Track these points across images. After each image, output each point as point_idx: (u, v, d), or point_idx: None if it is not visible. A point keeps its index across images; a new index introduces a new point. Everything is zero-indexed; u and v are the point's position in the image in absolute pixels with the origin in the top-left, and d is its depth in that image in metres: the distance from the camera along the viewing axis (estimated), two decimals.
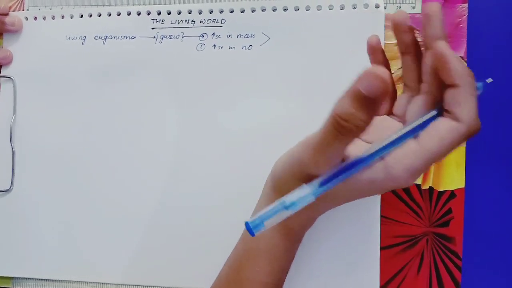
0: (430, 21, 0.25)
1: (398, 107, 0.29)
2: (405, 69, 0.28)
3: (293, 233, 0.29)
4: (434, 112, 0.25)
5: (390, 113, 0.29)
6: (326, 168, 0.24)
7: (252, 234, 0.24)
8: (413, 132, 0.25)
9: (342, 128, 0.22)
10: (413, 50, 0.27)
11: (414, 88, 0.28)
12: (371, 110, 0.21)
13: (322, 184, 0.24)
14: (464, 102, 0.23)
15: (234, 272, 0.30)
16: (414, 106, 0.27)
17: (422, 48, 0.27)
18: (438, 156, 0.24)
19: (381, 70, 0.20)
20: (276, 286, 0.30)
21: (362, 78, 0.20)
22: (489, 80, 0.27)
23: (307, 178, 0.25)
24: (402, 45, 0.28)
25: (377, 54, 0.29)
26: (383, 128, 0.27)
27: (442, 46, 0.24)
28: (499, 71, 0.36)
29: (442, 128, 0.24)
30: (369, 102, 0.21)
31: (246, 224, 0.24)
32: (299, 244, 0.31)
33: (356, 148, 0.25)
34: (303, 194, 0.24)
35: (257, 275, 0.29)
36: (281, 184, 0.28)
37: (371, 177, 0.24)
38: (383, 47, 0.30)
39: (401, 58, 0.28)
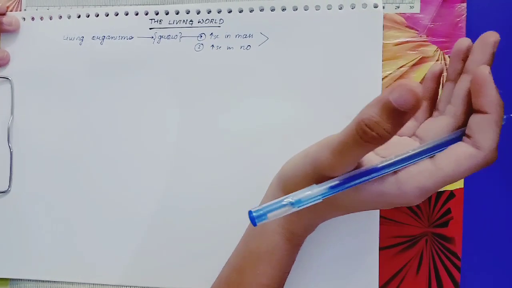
0: (483, 49, 0.25)
1: (421, 129, 0.29)
2: (444, 94, 0.28)
3: (295, 237, 0.29)
4: (455, 135, 0.25)
5: (413, 134, 0.29)
6: (341, 172, 0.24)
7: (254, 224, 0.24)
8: (431, 151, 0.25)
9: (365, 135, 0.21)
10: (458, 78, 0.27)
11: (443, 112, 0.28)
12: (397, 122, 0.21)
13: (333, 187, 0.24)
14: (488, 131, 0.23)
15: (234, 274, 0.30)
16: (435, 126, 0.27)
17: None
18: (451, 180, 0.24)
19: (414, 84, 0.20)
20: None
21: (395, 89, 0.20)
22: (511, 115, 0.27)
23: (319, 180, 0.25)
24: (452, 72, 0.28)
25: (433, 82, 0.29)
26: (399, 145, 0.27)
27: (485, 70, 0.24)
28: (498, 71, 0.36)
29: (461, 153, 0.24)
30: (398, 114, 0.20)
31: (250, 213, 0.24)
32: (299, 248, 0.31)
33: (371, 160, 0.25)
34: (312, 194, 0.24)
35: (258, 277, 0.29)
36: (290, 184, 0.27)
37: (381, 190, 0.24)
38: (439, 79, 0.29)
39: (445, 83, 0.28)
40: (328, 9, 0.36)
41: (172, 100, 0.38)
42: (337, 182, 0.24)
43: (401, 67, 0.36)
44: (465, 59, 0.27)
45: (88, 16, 0.40)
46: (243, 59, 0.37)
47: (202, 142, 0.37)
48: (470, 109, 0.25)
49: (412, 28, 0.36)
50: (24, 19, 0.41)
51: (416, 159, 0.24)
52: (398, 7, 0.36)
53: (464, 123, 0.25)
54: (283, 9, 0.37)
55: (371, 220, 0.35)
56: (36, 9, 0.41)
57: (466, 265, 0.35)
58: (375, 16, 0.35)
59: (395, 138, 0.28)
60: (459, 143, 0.24)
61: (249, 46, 0.37)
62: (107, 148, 0.39)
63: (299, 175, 0.26)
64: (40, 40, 0.40)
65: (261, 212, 0.24)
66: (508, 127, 0.35)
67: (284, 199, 0.24)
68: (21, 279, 0.40)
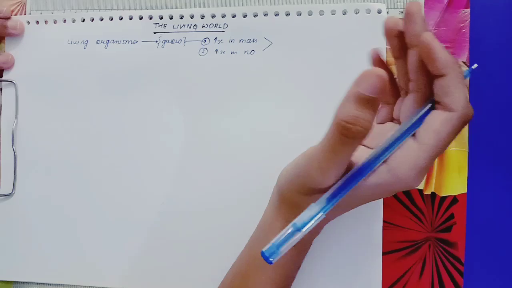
0: (412, 19, 0.25)
1: (395, 110, 0.29)
2: (399, 73, 0.28)
3: (300, 242, 0.29)
4: (427, 107, 0.25)
5: (392, 118, 0.29)
6: (333, 178, 0.24)
7: (270, 262, 0.24)
8: (411, 130, 0.25)
9: (348, 132, 0.22)
10: (404, 54, 0.27)
11: (408, 90, 0.28)
12: (373, 109, 0.22)
13: (330, 199, 0.24)
14: (453, 91, 0.24)
15: (238, 280, 0.30)
16: (405, 106, 0.27)
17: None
18: (439, 149, 0.24)
19: (377, 70, 0.21)
20: None
21: (361, 80, 0.21)
22: (474, 66, 0.27)
23: (313, 191, 0.25)
24: (394, 49, 0.28)
25: (379, 66, 0.29)
26: (381, 132, 0.28)
27: (428, 37, 0.24)
28: (502, 76, 0.36)
29: (436, 121, 0.24)
30: (371, 101, 0.21)
31: (262, 253, 0.24)
32: (306, 254, 0.31)
33: (360, 154, 0.26)
34: (313, 213, 0.24)
35: (262, 283, 0.29)
36: (287, 196, 0.28)
37: (377, 182, 0.25)
38: (384, 58, 0.30)
39: (395, 62, 0.28)
40: (332, 14, 0.36)
41: (176, 104, 0.38)
42: (332, 194, 0.24)
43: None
44: (397, 35, 0.27)
45: (92, 20, 0.40)
46: (247, 64, 0.37)
47: (205, 145, 0.38)
48: (429, 78, 0.25)
49: None
50: (28, 22, 0.41)
51: (399, 142, 0.25)
52: (402, 12, 0.36)
53: (429, 92, 0.25)
54: (287, 14, 0.37)
55: (374, 224, 0.35)
56: (41, 13, 0.41)
57: (469, 270, 0.35)
58: (379, 22, 0.35)
59: (378, 128, 0.28)
60: (433, 112, 0.25)
61: (253, 51, 0.37)
62: (111, 152, 0.39)
63: (293, 188, 0.27)
64: (45, 43, 0.41)
65: (273, 249, 0.24)
66: (507, 133, 0.36)
67: (290, 227, 0.24)
68: (24, 282, 0.40)
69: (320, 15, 0.36)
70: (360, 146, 0.26)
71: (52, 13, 0.41)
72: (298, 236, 0.24)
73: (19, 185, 0.40)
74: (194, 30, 0.38)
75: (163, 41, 0.39)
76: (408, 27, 0.26)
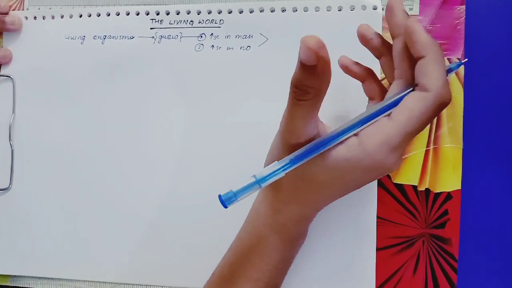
0: (394, 13, 0.26)
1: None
2: (386, 69, 0.29)
3: (285, 230, 0.29)
4: (406, 89, 0.26)
5: None
6: (300, 136, 0.25)
7: (225, 206, 0.24)
8: (386, 109, 0.25)
9: (297, 95, 0.23)
10: (386, 51, 0.28)
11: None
12: (315, 76, 0.22)
13: (293, 160, 0.25)
14: (431, 71, 0.24)
15: (226, 268, 0.30)
16: (390, 92, 0.27)
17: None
18: (410, 127, 0.24)
19: (312, 41, 0.21)
20: (268, 285, 0.30)
21: (300, 48, 0.22)
22: (465, 60, 0.28)
23: (292, 150, 0.26)
24: (374, 50, 0.29)
25: (372, 41, 0.29)
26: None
27: (413, 20, 0.25)
28: (497, 72, 0.36)
29: (411, 100, 0.24)
30: (310, 68, 0.22)
31: (219, 197, 0.24)
32: (297, 248, 0.31)
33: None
34: (274, 168, 0.25)
35: (248, 271, 0.29)
36: (272, 160, 0.28)
37: (346, 154, 0.25)
38: (373, 33, 0.29)
39: (380, 62, 0.29)
40: (328, 10, 0.36)
41: (172, 100, 0.38)
42: (297, 154, 0.25)
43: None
44: (373, 37, 0.29)
45: (89, 16, 0.40)
46: (243, 60, 0.37)
47: (201, 141, 0.38)
48: (412, 64, 0.26)
49: None
50: (26, 18, 0.41)
51: (372, 118, 0.25)
52: None
53: (413, 79, 0.26)
54: (283, 10, 0.37)
55: (368, 221, 0.35)
56: (39, 9, 0.42)
57: (462, 266, 0.35)
58: (374, 18, 0.35)
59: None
60: (409, 93, 0.25)
61: (249, 47, 0.37)
62: (106, 146, 0.39)
63: (276, 149, 0.28)
64: (42, 39, 0.41)
65: (230, 194, 0.24)
66: (502, 129, 0.36)
67: (250, 178, 0.25)
68: (21, 276, 0.40)
69: (316, 11, 0.36)
70: None
71: (50, 8, 0.41)
72: (257, 188, 0.24)
73: (16, 180, 0.41)
74: (190, 25, 0.38)
75: (160, 37, 0.39)
76: (391, 21, 0.27)
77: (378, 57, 0.29)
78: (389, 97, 0.26)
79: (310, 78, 0.23)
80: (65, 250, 0.39)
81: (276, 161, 0.25)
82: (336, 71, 0.36)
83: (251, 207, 0.31)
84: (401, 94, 0.25)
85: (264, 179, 0.25)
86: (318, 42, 0.22)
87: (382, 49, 0.29)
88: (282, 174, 0.25)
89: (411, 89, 0.25)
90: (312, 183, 0.27)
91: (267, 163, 0.29)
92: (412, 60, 0.26)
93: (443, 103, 0.24)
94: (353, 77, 0.31)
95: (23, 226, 0.40)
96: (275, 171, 0.25)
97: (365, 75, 0.30)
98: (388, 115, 0.25)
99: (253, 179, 0.24)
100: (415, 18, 0.25)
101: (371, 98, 0.31)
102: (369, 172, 0.26)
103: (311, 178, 0.26)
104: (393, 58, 0.27)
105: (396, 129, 0.24)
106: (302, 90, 0.23)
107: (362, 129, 0.25)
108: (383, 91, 0.30)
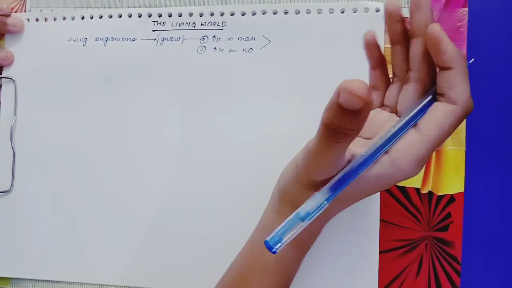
0: (420, 8, 0.25)
1: (388, 98, 0.29)
2: (395, 59, 0.28)
3: (302, 243, 0.29)
4: (428, 98, 0.25)
5: (381, 104, 0.29)
6: (330, 172, 0.24)
7: (274, 252, 0.23)
8: (412, 121, 0.25)
9: (333, 137, 0.22)
10: (403, 41, 0.27)
11: (403, 78, 0.28)
12: (358, 118, 0.21)
13: (333, 189, 0.24)
14: (458, 84, 0.24)
15: (238, 281, 0.29)
16: (405, 95, 0.27)
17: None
18: (440, 141, 0.24)
19: (355, 85, 0.20)
20: None
21: (340, 92, 0.20)
22: (471, 60, 0.27)
23: (314, 185, 0.25)
24: (393, 35, 0.28)
25: (373, 49, 0.29)
26: (377, 121, 0.28)
27: (436, 28, 0.24)
28: (499, 75, 0.36)
29: (439, 113, 0.24)
30: (353, 113, 0.20)
31: (266, 242, 0.24)
32: (306, 254, 0.31)
33: (357, 146, 0.26)
34: (317, 203, 0.24)
35: (264, 286, 0.28)
36: (288, 194, 0.27)
37: (378, 173, 0.25)
38: (379, 44, 0.29)
39: (391, 48, 0.28)
40: (330, 13, 0.36)
41: (174, 102, 0.38)
42: (335, 183, 0.24)
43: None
44: (398, 20, 0.27)
45: (91, 18, 0.40)
46: (245, 62, 0.37)
47: (203, 144, 0.38)
48: (431, 69, 0.25)
49: None
50: (28, 20, 0.41)
51: (401, 133, 0.25)
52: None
53: (431, 83, 0.26)
54: (286, 13, 0.37)
55: (371, 223, 0.35)
56: (40, 10, 0.42)
57: (465, 269, 0.35)
58: (377, 20, 0.35)
59: (373, 117, 0.28)
60: (435, 104, 0.25)
61: (251, 49, 0.37)
62: (109, 149, 0.39)
63: (294, 184, 0.27)
64: (44, 41, 0.41)
65: (276, 238, 0.23)
66: (505, 132, 0.36)
67: (293, 216, 0.24)
68: (22, 278, 0.40)
69: (318, 13, 0.36)
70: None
71: (52, 10, 0.41)
72: (301, 225, 0.24)
73: (18, 182, 0.40)
74: (192, 28, 0.38)
75: (162, 39, 0.39)
76: (415, 16, 0.25)
77: (394, 43, 0.28)
78: (411, 106, 0.25)
79: (353, 122, 0.21)
80: (65, 253, 0.39)
81: (316, 193, 0.24)
82: (338, 69, 0.36)
83: (260, 221, 0.30)
84: (424, 103, 0.25)
85: (309, 214, 0.24)
86: (364, 87, 0.20)
87: (401, 37, 0.27)
88: (327, 205, 0.24)
89: (431, 96, 0.25)
90: (339, 201, 0.26)
91: (278, 196, 0.28)
92: (432, 65, 0.25)
93: (467, 114, 0.24)
94: (369, 58, 0.30)
95: (24, 229, 0.40)
96: (320, 206, 0.24)
97: (380, 62, 0.29)
98: (414, 126, 0.25)
99: (296, 217, 0.24)
100: (439, 26, 0.24)
101: (373, 88, 0.30)
102: (395, 182, 0.26)
103: (340, 197, 0.26)
104: (411, 60, 0.26)
105: (426, 144, 0.24)
106: (342, 134, 0.22)
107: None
108: (388, 83, 0.29)
